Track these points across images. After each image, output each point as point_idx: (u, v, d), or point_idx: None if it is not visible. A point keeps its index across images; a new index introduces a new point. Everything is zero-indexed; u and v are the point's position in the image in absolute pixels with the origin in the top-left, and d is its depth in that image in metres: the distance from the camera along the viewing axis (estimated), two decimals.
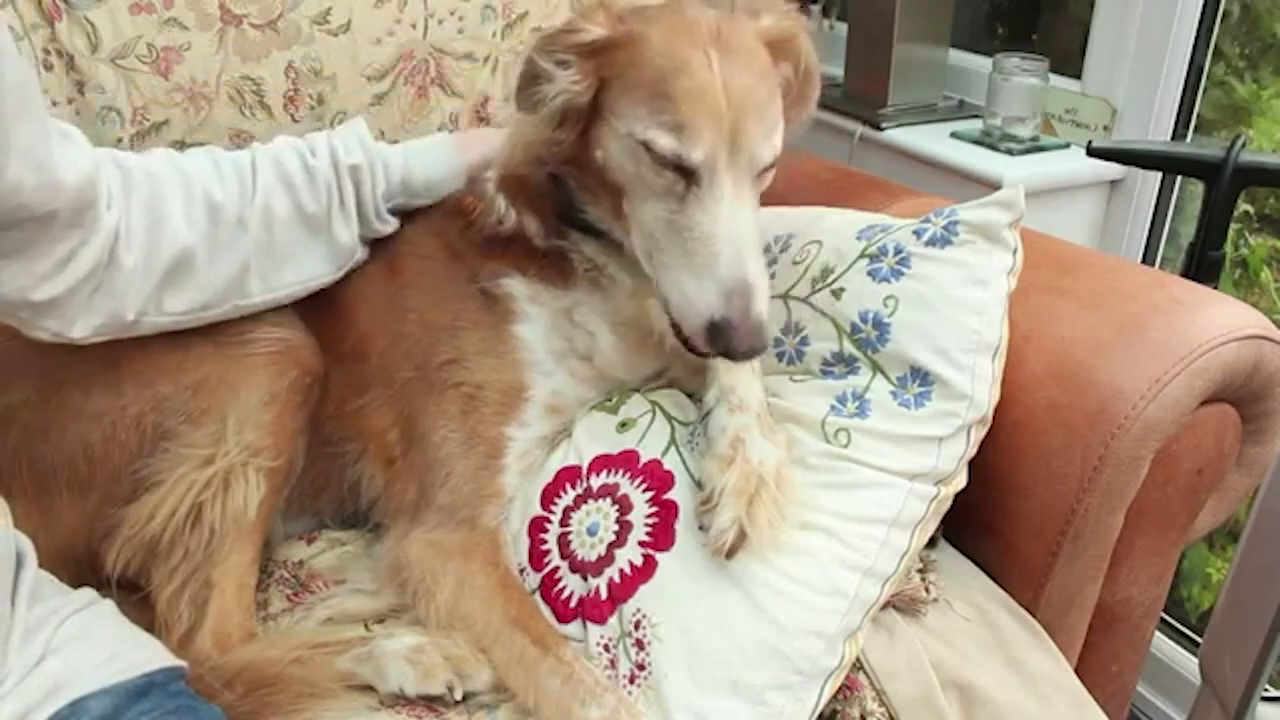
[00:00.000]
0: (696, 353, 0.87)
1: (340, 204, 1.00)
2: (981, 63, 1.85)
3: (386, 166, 1.02)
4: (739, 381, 0.94)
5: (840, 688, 0.88)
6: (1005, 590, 1.02)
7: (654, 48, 0.86)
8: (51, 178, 0.78)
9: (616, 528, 0.92)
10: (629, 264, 0.99)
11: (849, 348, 0.96)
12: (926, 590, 0.97)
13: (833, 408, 0.94)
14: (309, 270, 1.00)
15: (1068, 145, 1.66)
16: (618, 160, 0.89)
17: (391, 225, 1.05)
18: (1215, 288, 1.24)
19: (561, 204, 0.99)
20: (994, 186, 1.51)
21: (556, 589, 0.93)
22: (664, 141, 0.84)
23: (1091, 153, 1.34)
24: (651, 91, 0.85)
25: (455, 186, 1.06)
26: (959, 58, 1.91)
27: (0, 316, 0.86)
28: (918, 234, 0.97)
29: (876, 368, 0.94)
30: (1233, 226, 1.26)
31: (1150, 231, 1.64)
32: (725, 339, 0.81)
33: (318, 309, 1.05)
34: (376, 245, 1.07)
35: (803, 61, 0.96)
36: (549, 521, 0.96)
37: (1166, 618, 1.65)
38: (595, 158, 0.92)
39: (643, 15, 0.89)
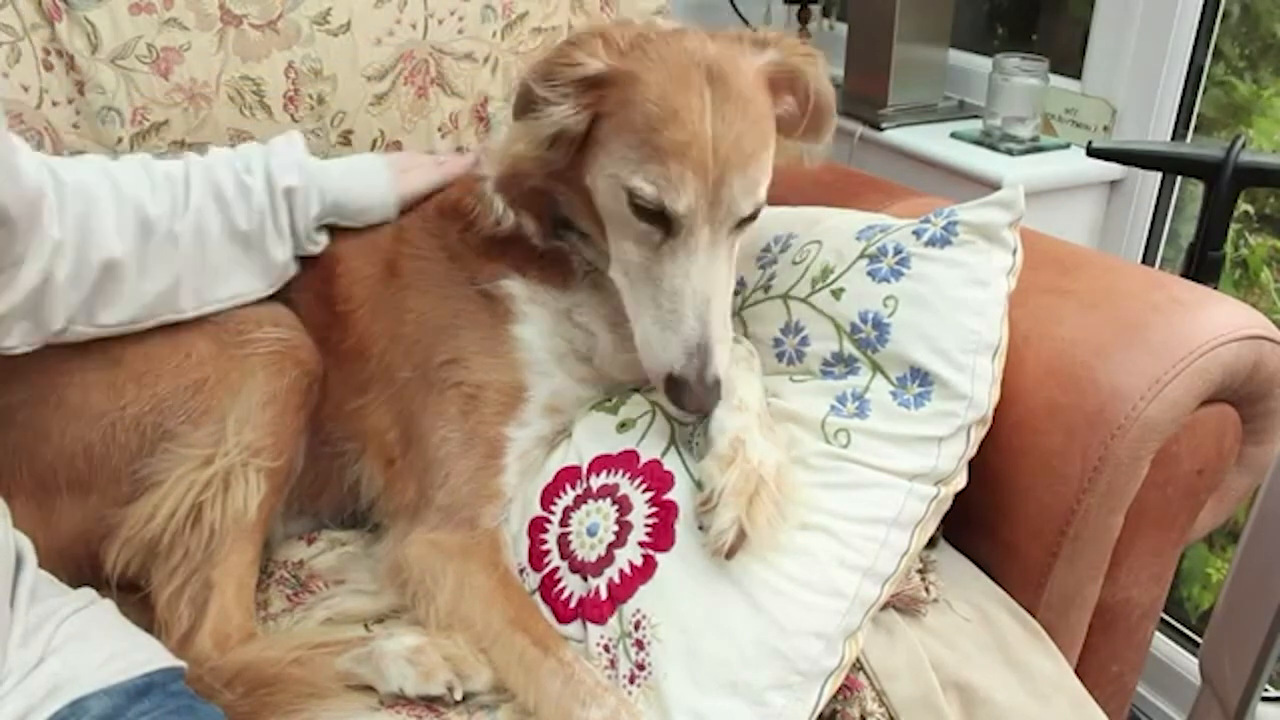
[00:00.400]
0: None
1: (274, 224, 1.00)
2: (981, 63, 1.85)
3: (322, 190, 1.03)
4: (739, 382, 0.94)
5: (840, 688, 0.88)
6: (1005, 590, 1.02)
7: (648, 90, 0.86)
8: (17, 185, 0.77)
9: (616, 528, 0.92)
10: None
11: (849, 348, 0.96)
12: (926, 590, 0.97)
13: (832, 408, 0.94)
14: (241, 285, 1.00)
15: (1068, 145, 1.67)
16: (603, 196, 0.90)
17: (321, 245, 1.06)
18: (1215, 288, 1.24)
19: (555, 211, 1.00)
20: (994, 187, 1.51)
21: (556, 589, 0.93)
22: (647, 190, 0.85)
23: (1091, 153, 1.34)
24: (641, 138, 0.85)
25: (387, 216, 1.08)
26: (959, 58, 1.91)
27: None
28: (917, 234, 0.97)
29: (876, 368, 0.94)
30: (1233, 226, 1.26)
31: (1150, 231, 1.65)
32: (679, 394, 0.87)
33: (318, 309, 1.06)
34: (376, 246, 1.07)
35: (811, 96, 0.95)
36: (549, 522, 0.96)
37: (1166, 618, 1.65)
38: (585, 184, 0.92)
39: (641, 48, 0.89)
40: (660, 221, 0.86)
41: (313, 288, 1.08)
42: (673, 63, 0.87)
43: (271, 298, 1.05)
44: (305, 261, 1.08)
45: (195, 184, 0.96)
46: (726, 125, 0.85)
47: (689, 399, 0.86)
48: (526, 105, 0.91)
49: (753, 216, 0.90)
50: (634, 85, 0.86)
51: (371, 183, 1.07)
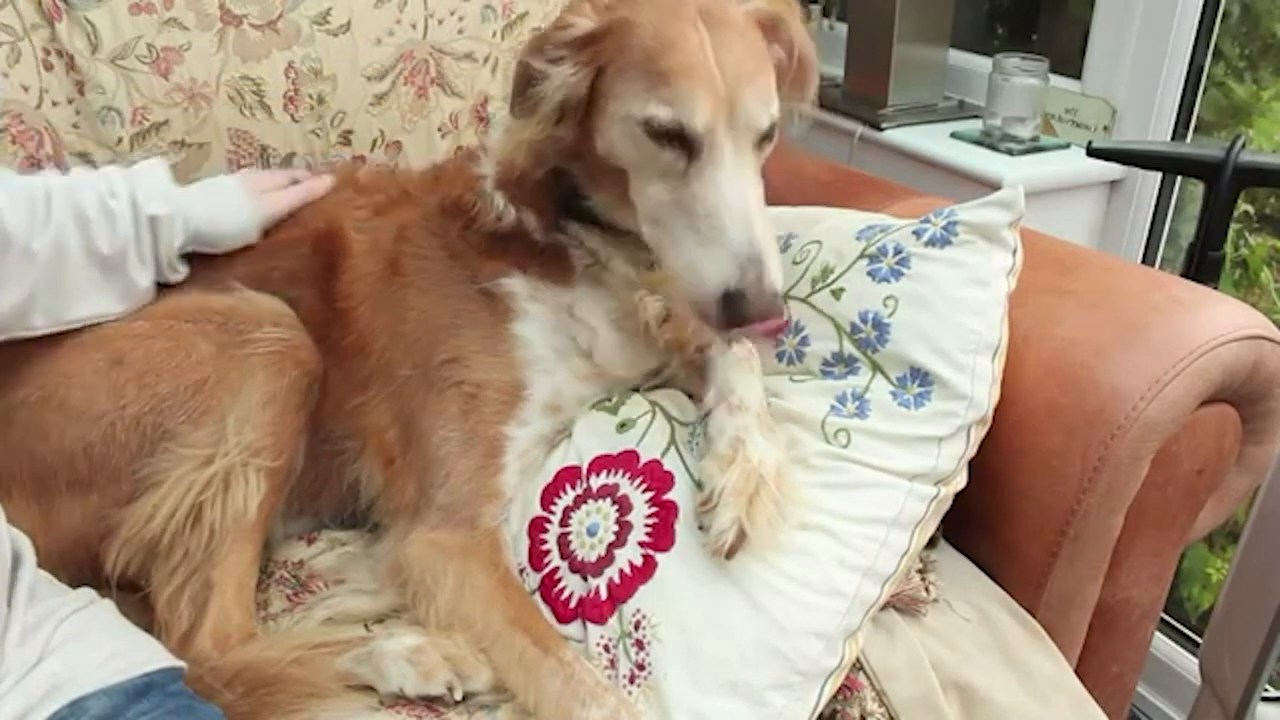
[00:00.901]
0: (713, 330, 0.84)
1: (137, 251, 1.00)
2: (981, 63, 1.85)
3: (186, 219, 1.03)
4: (739, 382, 0.94)
5: (840, 688, 0.88)
6: (1005, 590, 1.02)
7: (643, 29, 0.87)
8: None
9: (616, 528, 0.92)
10: (629, 254, 0.99)
11: (849, 348, 0.96)
12: (926, 590, 0.97)
13: (832, 408, 0.94)
14: (98, 307, 0.99)
15: (1068, 145, 1.67)
16: (619, 145, 0.89)
17: (182, 274, 1.05)
18: (1215, 288, 1.24)
19: (561, 196, 1.00)
20: (994, 187, 1.51)
21: (556, 589, 0.93)
22: (663, 114, 0.84)
23: (1091, 153, 1.34)
24: (645, 70, 0.85)
25: (248, 240, 1.09)
26: (959, 58, 1.91)
27: None
28: (917, 234, 0.97)
29: (876, 368, 0.94)
30: (1233, 226, 1.26)
31: (1150, 231, 1.65)
32: (740, 309, 0.79)
33: (319, 306, 1.06)
34: (378, 245, 1.07)
35: (796, 45, 0.95)
36: (549, 522, 0.96)
37: (1166, 618, 1.65)
38: (596, 147, 0.92)
39: (629, 1, 0.90)
40: (682, 145, 0.84)
41: (314, 285, 1.07)
42: (663, 5, 0.88)
43: (272, 294, 1.05)
44: (307, 258, 1.08)
45: (56, 202, 0.95)
46: (726, 49, 0.85)
47: (752, 308, 0.78)
48: (526, 85, 0.91)
49: (770, 135, 0.88)
50: (628, 30, 0.87)
51: (233, 211, 1.07)
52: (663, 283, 1.00)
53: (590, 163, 0.94)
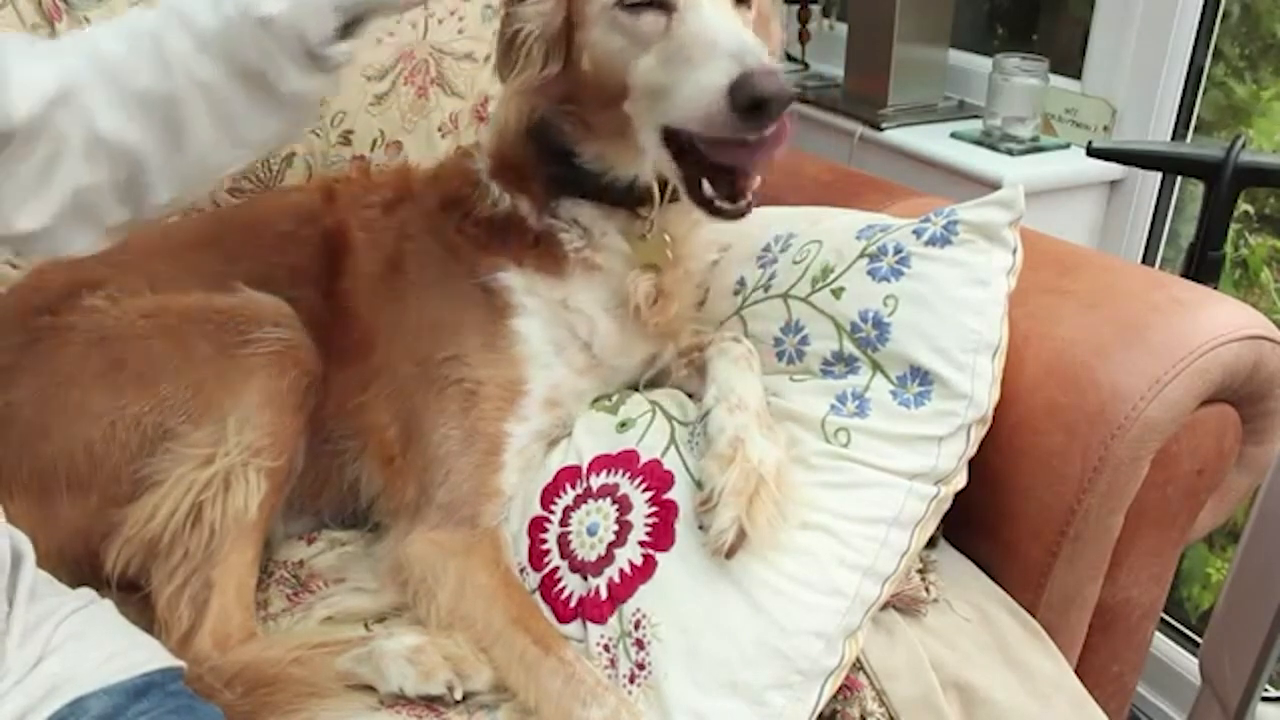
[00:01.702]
0: (734, 131, 0.81)
1: (271, 56, 0.83)
2: (981, 63, 1.86)
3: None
4: (738, 381, 0.94)
5: (840, 688, 0.88)
6: (1005, 590, 1.02)
7: None
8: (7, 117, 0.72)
9: (616, 527, 0.92)
10: (623, 224, 1.01)
11: (849, 347, 0.96)
12: (926, 590, 0.97)
13: (832, 407, 0.94)
14: (271, 128, 0.87)
15: (1068, 145, 1.67)
16: (603, 45, 0.90)
17: (346, 52, 0.85)
18: (1215, 288, 1.24)
19: (552, 170, 1.00)
20: (994, 187, 1.51)
21: (556, 589, 0.93)
22: None
23: (1091, 153, 1.34)
24: None
25: None
26: (959, 58, 1.91)
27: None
28: (917, 234, 0.97)
29: (876, 367, 0.94)
30: (1233, 226, 1.26)
31: (1150, 231, 1.65)
32: (749, 88, 0.77)
33: (321, 306, 1.06)
34: (380, 244, 1.07)
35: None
36: (549, 521, 0.96)
37: (1166, 618, 1.65)
38: (585, 70, 0.92)
39: None
40: (659, 6, 0.86)
41: (318, 284, 1.08)
42: None
43: (273, 294, 1.05)
44: (309, 257, 1.08)
45: (173, 37, 0.83)
46: None
47: (762, 84, 0.77)
48: (510, 41, 0.93)
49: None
50: None
51: None
52: (653, 253, 1.02)
53: (584, 96, 0.95)
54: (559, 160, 1.00)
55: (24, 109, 0.74)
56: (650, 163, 0.95)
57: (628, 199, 1.01)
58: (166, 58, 0.83)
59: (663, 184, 0.99)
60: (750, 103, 0.77)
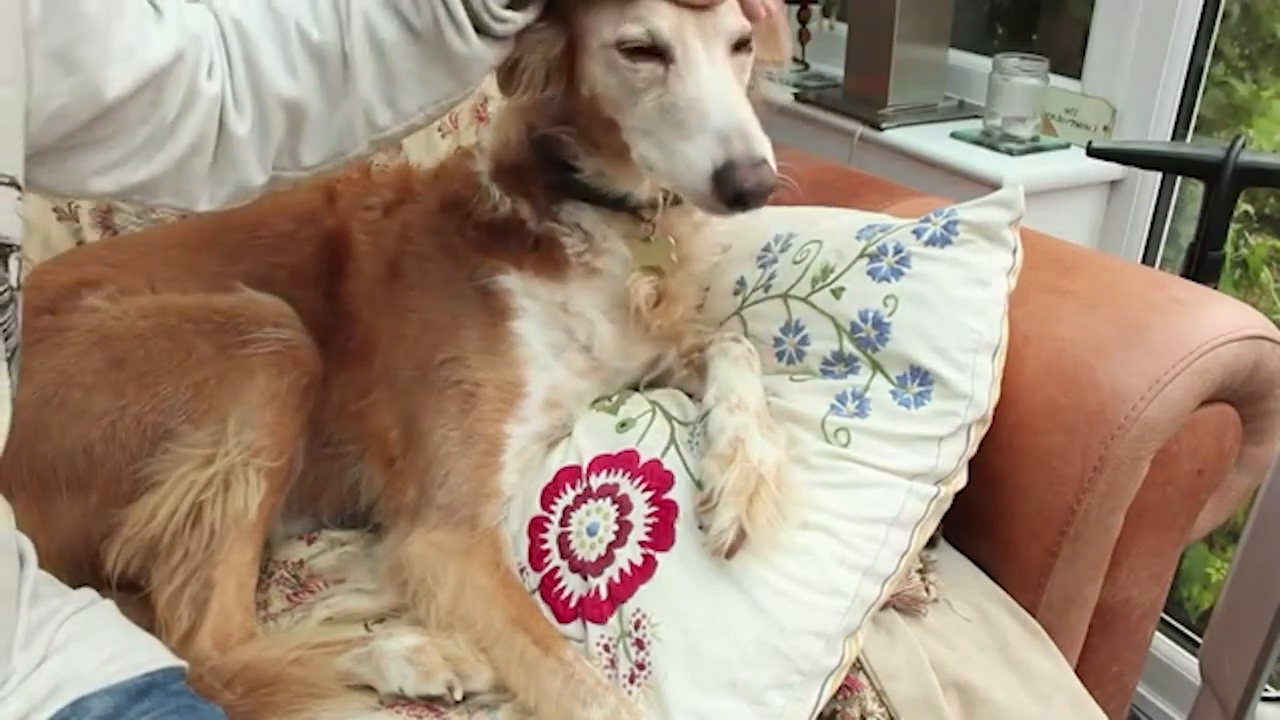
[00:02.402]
0: (714, 212, 0.85)
1: (447, 11, 0.84)
2: (981, 63, 1.86)
3: None
4: (738, 381, 0.94)
5: (840, 688, 0.88)
6: (1005, 590, 1.02)
7: None
8: (94, 83, 0.72)
9: (616, 527, 0.92)
10: (624, 228, 1.00)
11: (849, 347, 0.96)
12: (926, 590, 0.97)
13: (832, 407, 0.94)
14: (436, 90, 0.88)
15: (1068, 145, 1.67)
16: (602, 81, 0.89)
17: (512, 22, 0.86)
18: (1215, 288, 1.24)
19: (554, 178, 1.00)
20: (994, 187, 1.51)
21: (556, 589, 0.93)
22: (633, 30, 0.85)
23: (1091, 153, 1.34)
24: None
25: None
26: (959, 58, 1.91)
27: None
28: (917, 234, 0.97)
29: (876, 367, 0.94)
30: (1233, 226, 1.26)
31: (1150, 231, 1.65)
32: (731, 183, 0.79)
33: (323, 309, 1.06)
34: (381, 247, 1.07)
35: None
36: (549, 521, 0.96)
37: (1166, 618, 1.65)
38: (584, 97, 0.92)
39: None
40: (657, 57, 0.85)
41: (319, 286, 1.08)
42: None
43: (274, 295, 1.05)
44: (309, 258, 1.08)
45: None
46: None
47: (742, 178, 0.79)
48: (510, 64, 0.91)
49: (746, 43, 0.89)
50: None
51: None
52: (657, 255, 1.02)
53: (582, 121, 0.95)
54: (560, 169, 1.00)
55: (118, 87, 0.74)
56: (648, 181, 0.97)
57: (629, 205, 1.01)
58: (345, 9, 0.83)
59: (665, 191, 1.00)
60: (733, 196, 0.80)
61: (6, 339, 0.67)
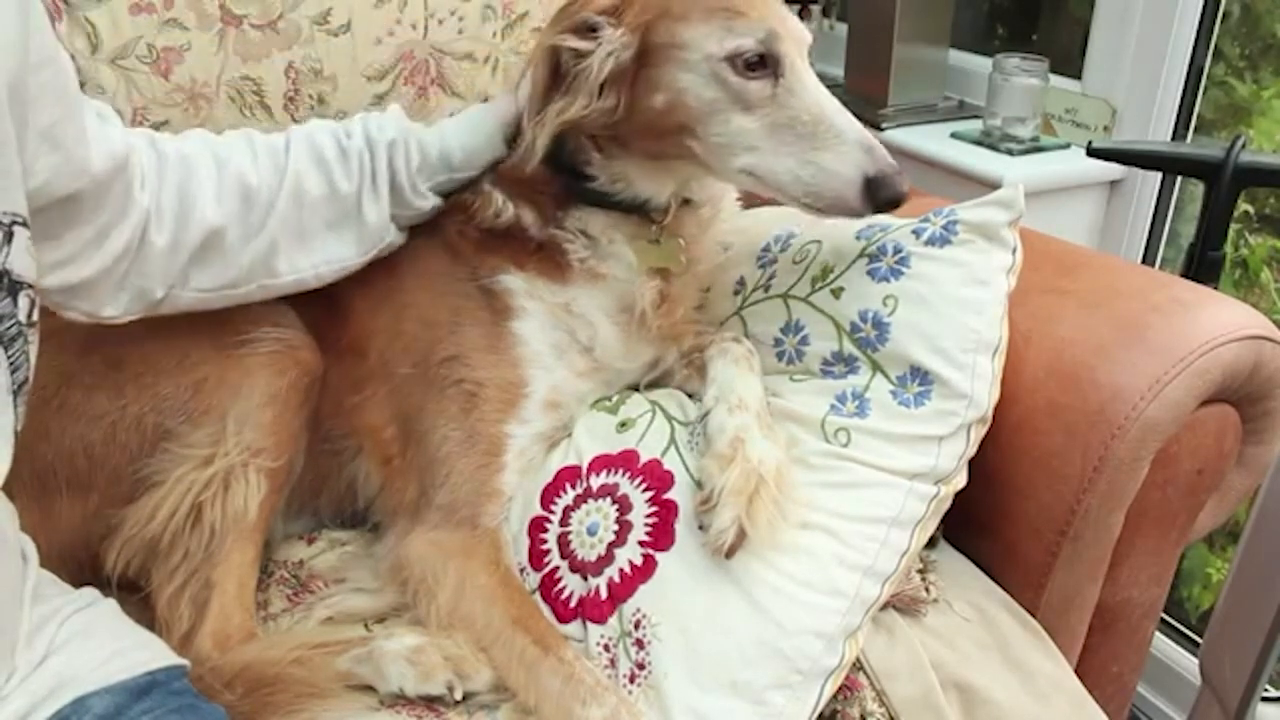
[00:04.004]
0: (857, 213, 0.89)
1: (372, 182, 0.98)
2: (981, 63, 1.85)
3: (422, 142, 1.00)
4: (738, 381, 0.94)
5: (840, 688, 0.88)
6: (1005, 590, 1.02)
7: None
8: (75, 159, 0.77)
9: (616, 527, 0.92)
10: (634, 230, 1.00)
11: (849, 347, 0.96)
12: (926, 590, 0.97)
13: (832, 407, 0.94)
14: (336, 252, 0.98)
15: (1068, 145, 1.66)
16: (695, 94, 0.90)
17: (432, 202, 1.01)
18: (1215, 288, 1.24)
19: (565, 184, 1.00)
20: (994, 187, 1.50)
21: (556, 589, 0.93)
22: (747, 43, 0.87)
23: (1091, 153, 1.34)
24: (708, 9, 0.89)
25: (497, 152, 1.02)
26: (959, 58, 1.91)
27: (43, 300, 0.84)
28: (917, 233, 0.97)
29: (876, 367, 0.94)
30: (1233, 226, 1.26)
31: (1150, 232, 1.64)
32: (884, 189, 0.87)
33: (317, 307, 1.06)
34: None
35: None
36: (549, 521, 0.96)
37: (1166, 618, 1.65)
38: (653, 105, 0.92)
39: None
40: (765, 70, 0.89)
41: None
42: None
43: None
44: None
45: (295, 148, 0.96)
46: None
47: (893, 186, 0.87)
48: (553, 72, 0.91)
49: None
50: None
51: (469, 124, 1.03)
52: (665, 257, 1.02)
53: (628, 129, 0.94)
54: (569, 175, 0.99)
55: (97, 165, 0.80)
56: (673, 186, 1.00)
57: (645, 208, 1.00)
58: (284, 165, 0.95)
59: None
60: (885, 200, 0.87)
61: (14, 372, 0.68)
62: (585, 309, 1.02)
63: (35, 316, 0.71)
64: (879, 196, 0.87)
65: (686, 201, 1.02)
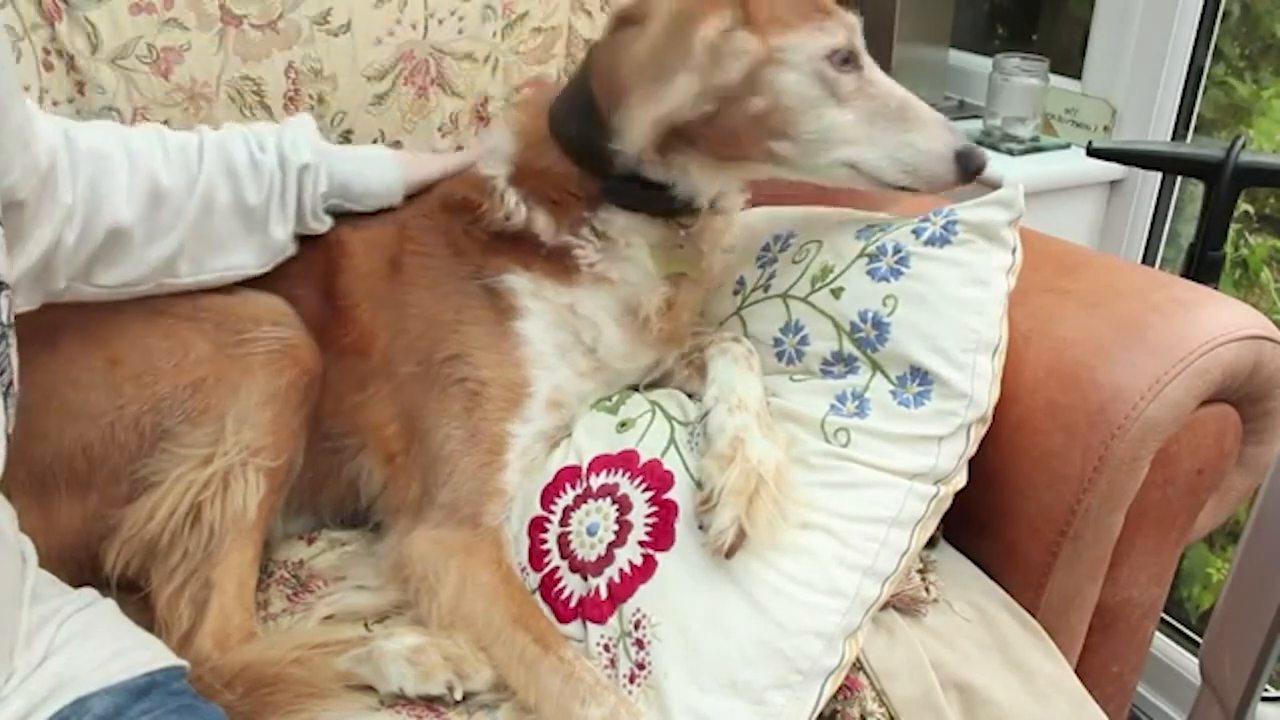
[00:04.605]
0: (951, 184, 0.96)
1: (281, 201, 1.01)
2: (981, 63, 1.85)
3: (331, 170, 1.04)
4: (739, 381, 0.94)
5: (840, 688, 0.88)
6: (1005, 590, 1.02)
7: None
8: (34, 158, 0.78)
9: (616, 527, 0.92)
10: (660, 236, 1.01)
11: (848, 347, 0.96)
12: (926, 590, 0.97)
13: (832, 407, 0.94)
14: (238, 260, 1.01)
15: (1068, 145, 1.66)
16: (798, 93, 0.93)
17: (326, 224, 1.06)
18: (1215, 288, 1.24)
19: (603, 185, 0.99)
20: (994, 187, 1.50)
21: (556, 589, 0.93)
22: (840, 41, 0.93)
23: (1091, 153, 1.34)
24: (802, 11, 0.93)
25: (393, 200, 1.10)
26: (959, 58, 1.91)
27: None
28: (917, 233, 0.97)
29: (876, 367, 0.94)
30: (1233, 226, 1.26)
31: (1150, 232, 1.64)
32: (972, 159, 0.95)
33: (318, 305, 1.06)
34: (380, 243, 1.07)
35: None
36: (549, 521, 0.96)
37: (1166, 618, 1.65)
38: (750, 108, 0.92)
39: None
40: (850, 64, 0.94)
41: (315, 283, 1.07)
42: None
43: (272, 292, 1.05)
44: (308, 256, 1.08)
45: (209, 156, 0.98)
46: None
47: (979, 155, 0.95)
48: (663, 59, 0.89)
49: None
50: None
51: (380, 167, 1.09)
52: (685, 263, 1.03)
53: (715, 129, 0.94)
54: (605, 173, 0.98)
55: (45, 162, 0.81)
56: (735, 186, 1.04)
57: (670, 210, 1.00)
58: (196, 170, 0.96)
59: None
60: (975, 169, 0.95)
61: (0, 374, 0.68)
62: (589, 310, 1.02)
63: (12, 318, 0.71)
64: (970, 166, 0.94)
65: (712, 208, 1.03)
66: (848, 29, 0.94)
